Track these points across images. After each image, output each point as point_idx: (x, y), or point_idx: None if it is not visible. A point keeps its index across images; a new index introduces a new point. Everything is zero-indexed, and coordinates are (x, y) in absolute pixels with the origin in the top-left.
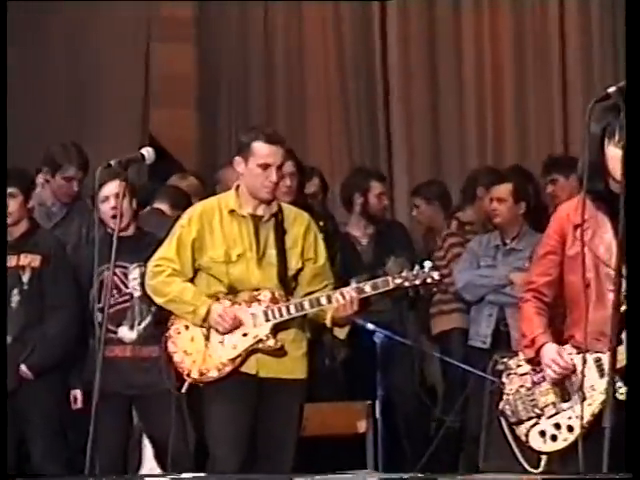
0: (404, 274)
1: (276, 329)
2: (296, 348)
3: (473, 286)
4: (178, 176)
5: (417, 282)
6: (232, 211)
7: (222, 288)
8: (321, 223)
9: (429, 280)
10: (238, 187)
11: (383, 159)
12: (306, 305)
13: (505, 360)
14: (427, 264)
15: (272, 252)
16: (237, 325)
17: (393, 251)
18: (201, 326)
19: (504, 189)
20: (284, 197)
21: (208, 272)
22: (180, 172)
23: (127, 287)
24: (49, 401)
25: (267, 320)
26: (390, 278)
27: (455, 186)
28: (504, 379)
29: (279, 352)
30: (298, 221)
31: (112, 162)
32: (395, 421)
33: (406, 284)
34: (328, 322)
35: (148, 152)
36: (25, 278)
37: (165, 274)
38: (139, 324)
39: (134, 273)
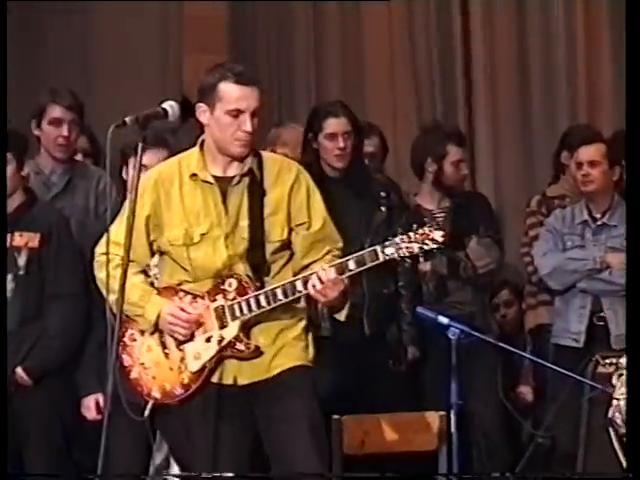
0: (396, 240)
1: (247, 326)
2: (282, 337)
3: (562, 272)
4: None
5: (415, 248)
6: (194, 175)
7: (187, 277)
8: (382, 194)
9: (430, 244)
10: (203, 143)
11: (461, 118)
12: (279, 294)
13: (613, 360)
14: (427, 227)
15: (244, 223)
16: (197, 327)
17: (475, 230)
18: (153, 333)
19: (596, 150)
20: (336, 162)
21: (170, 257)
22: None
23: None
24: (50, 411)
25: (234, 318)
26: (379, 248)
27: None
28: (614, 381)
29: (254, 355)
30: (282, 176)
31: (127, 119)
32: (474, 436)
33: (401, 253)
34: (321, 305)
35: (172, 107)
36: (21, 261)
37: (113, 264)
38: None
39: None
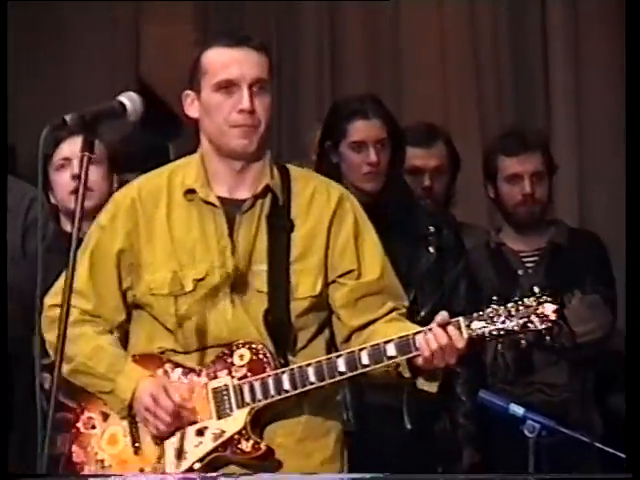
0: (489, 312)
1: (258, 420)
2: (308, 452)
3: None
4: None
5: (512, 326)
6: (190, 192)
7: (173, 345)
8: (430, 228)
9: (536, 322)
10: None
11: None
12: (311, 375)
13: None
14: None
15: (261, 269)
16: (187, 420)
17: (579, 283)
18: (123, 418)
19: None
20: (365, 182)
21: (150, 313)
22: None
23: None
24: None
25: (241, 404)
26: (462, 321)
27: None
28: None
29: (264, 461)
30: (318, 202)
31: (68, 118)
32: None
33: (493, 331)
34: (405, 370)
35: (132, 100)
36: None
37: (70, 320)
38: None
39: None
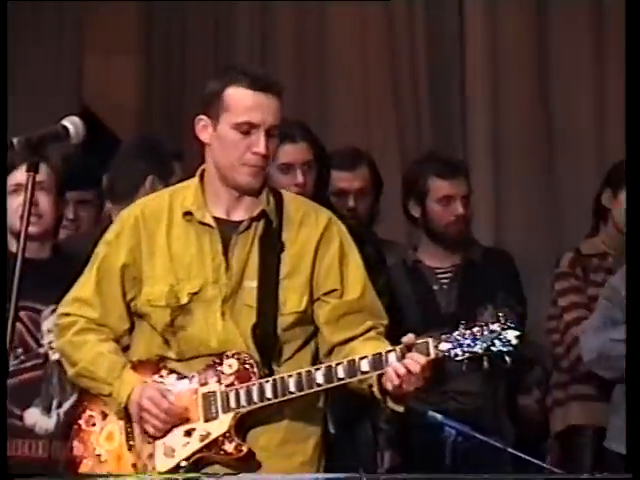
0: (456, 335)
1: (242, 424)
2: (288, 454)
3: (606, 358)
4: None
5: (477, 349)
6: (188, 214)
7: (169, 353)
8: (367, 248)
9: (499, 345)
10: (203, 175)
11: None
12: (291, 385)
13: None
14: (498, 323)
15: (252, 285)
16: (179, 420)
17: (491, 297)
18: (120, 418)
19: None
20: None
21: (149, 323)
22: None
23: (39, 343)
24: None
25: (227, 409)
26: (431, 342)
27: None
28: None
29: (245, 463)
30: (307, 225)
31: (15, 140)
32: None
33: (459, 352)
34: (376, 391)
35: (74, 124)
36: None
37: (75, 328)
38: (59, 405)
39: (49, 321)
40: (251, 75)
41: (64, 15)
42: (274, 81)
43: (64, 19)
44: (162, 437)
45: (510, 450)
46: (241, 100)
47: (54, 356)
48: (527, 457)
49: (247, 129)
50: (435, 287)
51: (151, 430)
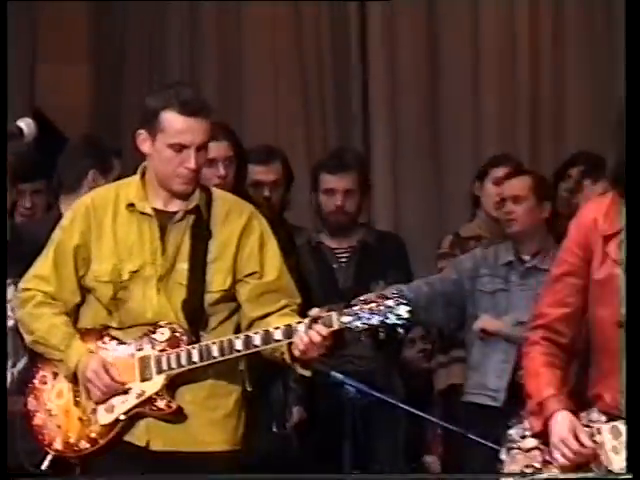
0: (355, 309)
1: (173, 383)
2: (212, 408)
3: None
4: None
5: (374, 322)
6: (130, 205)
7: (112, 323)
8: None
9: (392, 318)
10: (145, 170)
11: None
12: (214, 351)
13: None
14: (393, 292)
15: (183, 267)
16: (119, 387)
17: (382, 275)
18: (70, 380)
19: (520, 184)
20: None
21: (95, 296)
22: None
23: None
24: None
25: (159, 371)
26: (335, 315)
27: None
28: (504, 455)
29: (175, 416)
30: (232, 218)
31: None
32: None
33: (358, 324)
34: (287, 358)
35: (28, 125)
36: None
37: (34, 302)
38: (13, 365)
39: (9, 292)
40: (182, 100)
41: (19, 28)
42: (202, 105)
43: (20, 31)
44: (103, 403)
45: (402, 405)
46: (173, 124)
47: (9, 323)
48: (415, 411)
49: (179, 148)
50: (335, 265)
51: (94, 398)
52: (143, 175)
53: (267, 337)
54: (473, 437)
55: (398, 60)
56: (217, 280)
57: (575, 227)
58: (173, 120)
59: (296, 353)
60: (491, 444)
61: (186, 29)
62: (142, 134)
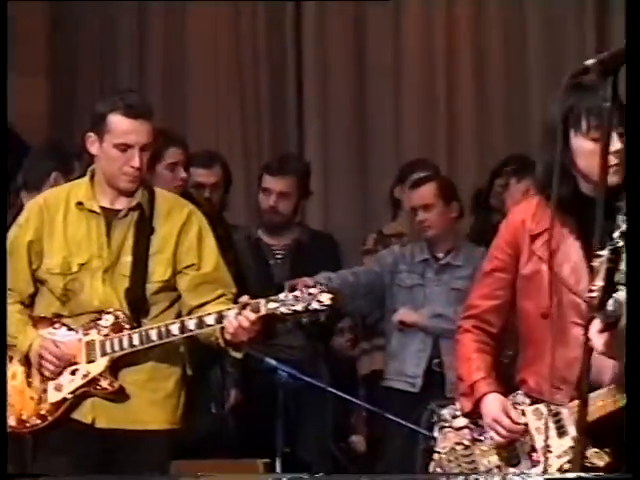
0: (281, 296)
1: (116, 365)
2: (152, 389)
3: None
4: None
5: (298, 308)
6: (80, 204)
7: (62, 311)
8: (219, 229)
9: (315, 305)
10: (93, 172)
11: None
12: (153, 335)
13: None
14: (318, 281)
15: (127, 259)
16: (68, 364)
17: (314, 273)
18: (23, 364)
19: (427, 192)
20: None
21: (47, 287)
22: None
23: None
24: None
25: (103, 354)
26: (262, 301)
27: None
28: (436, 433)
29: (117, 396)
30: (173, 215)
31: None
32: None
33: (284, 310)
34: (221, 342)
35: None
36: None
37: None
38: None
39: None
40: (127, 104)
41: None
42: (146, 108)
43: None
44: (55, 378)
45: (330, 389)
46: (119, 126)
47: None
48: (340, 394)
49: (124, 148)
50: (271, 261)
51: (47, 372)
52: (92, 176)
53: (200, 322)
54: (393, 418)
55: (329, 60)
56: (158, 271)
57: (505, 227)
58: (119, 122)
59: (227, 337)
60: (411, 425)
61: (135, 43)
62: (91, 137)
